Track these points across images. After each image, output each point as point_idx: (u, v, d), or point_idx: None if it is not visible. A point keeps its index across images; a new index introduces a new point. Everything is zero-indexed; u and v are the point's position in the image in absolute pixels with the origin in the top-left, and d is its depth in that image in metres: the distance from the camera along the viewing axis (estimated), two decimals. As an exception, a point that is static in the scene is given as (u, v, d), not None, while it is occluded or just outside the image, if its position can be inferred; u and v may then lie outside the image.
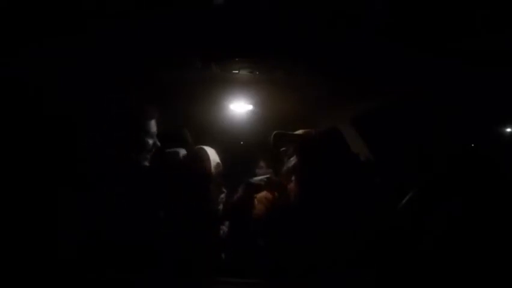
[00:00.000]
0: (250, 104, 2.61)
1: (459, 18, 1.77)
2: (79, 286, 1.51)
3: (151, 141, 1.86)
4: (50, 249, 1.54)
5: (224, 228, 2.28)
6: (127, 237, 1.70)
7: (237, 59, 2.10)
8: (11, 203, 1.57)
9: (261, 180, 2.24)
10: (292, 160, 2.09)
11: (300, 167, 2.01)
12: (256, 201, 2.40)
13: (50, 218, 1.58)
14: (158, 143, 1.89)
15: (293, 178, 2.05)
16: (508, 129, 2.54)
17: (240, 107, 2.63)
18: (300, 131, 2.15)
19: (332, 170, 1.91)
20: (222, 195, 2.58)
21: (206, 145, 2.26)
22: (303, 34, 1.88)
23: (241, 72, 2.23)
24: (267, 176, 2.30)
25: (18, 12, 1.72)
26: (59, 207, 1.60)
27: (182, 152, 2.15)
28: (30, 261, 1.50)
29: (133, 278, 1.59)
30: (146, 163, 1.86)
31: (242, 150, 2.97)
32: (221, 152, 2.51)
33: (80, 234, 1.59)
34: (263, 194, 2.22)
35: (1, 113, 1.76)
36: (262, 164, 2.81)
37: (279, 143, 2.17)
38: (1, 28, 1.74)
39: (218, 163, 2.19)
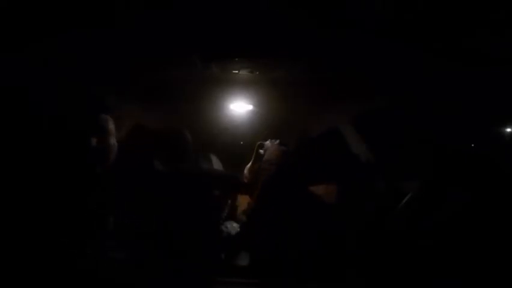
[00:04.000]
0: (250, 104, 2.61)
1: (459, 18, 1.77)
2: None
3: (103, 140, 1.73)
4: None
5: (223, 228, 2.28)
6: (126, 237, 1.70)
7: (237, 59, 2.10)
8: None
9: None
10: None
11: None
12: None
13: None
14: (115, 142, 1.77)
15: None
16: (508, 129, 2.54)
17: (240, 107, 2.63)
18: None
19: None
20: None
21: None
22: (303, 34, 1.88)
23: (241, 72, 2.23)
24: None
25: (16, 13, 1.71)
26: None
27: None
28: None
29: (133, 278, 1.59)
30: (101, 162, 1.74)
31: (242, 150, 2.97)
32: (221, 152, 2.52)
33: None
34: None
35: None
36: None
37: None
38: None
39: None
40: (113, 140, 1.77)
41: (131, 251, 1.67)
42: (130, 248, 1.67)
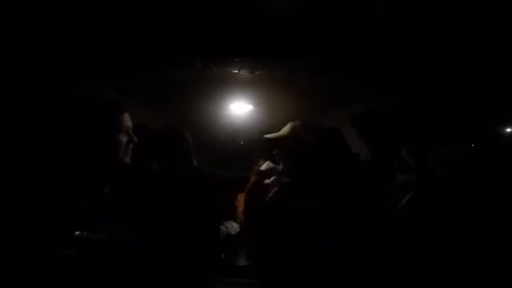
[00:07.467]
0: (250, 104, 2.61)
1: (459, 18, 1.77)
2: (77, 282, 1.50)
3: (123, 139, 1.64)
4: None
5: (223, 228, 2.28)
6: (124, 237, 1.70)
7: (237, 59, 2.10)
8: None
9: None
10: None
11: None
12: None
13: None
14: (135, 139, 1.69)
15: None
16: (508, 129, 2.54)
17: (240, 107, 2.63)
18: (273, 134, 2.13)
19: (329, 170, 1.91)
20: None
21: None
22: (303, 34, 1.88)
23: (241, 72, 2.23)
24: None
25: (17, 13, 1.71)
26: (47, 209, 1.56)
27: None
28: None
29: (132, 278, 1.59)
30: (124, 160, 1.70)
31: (242, 150, 2.98)
32: (221, 152, 2.52)
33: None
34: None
35: None
36: (262, 163, 2.82)
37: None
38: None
39: None
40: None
41: (130, 251, 1.66)
42: (130, 248, 1.67)
